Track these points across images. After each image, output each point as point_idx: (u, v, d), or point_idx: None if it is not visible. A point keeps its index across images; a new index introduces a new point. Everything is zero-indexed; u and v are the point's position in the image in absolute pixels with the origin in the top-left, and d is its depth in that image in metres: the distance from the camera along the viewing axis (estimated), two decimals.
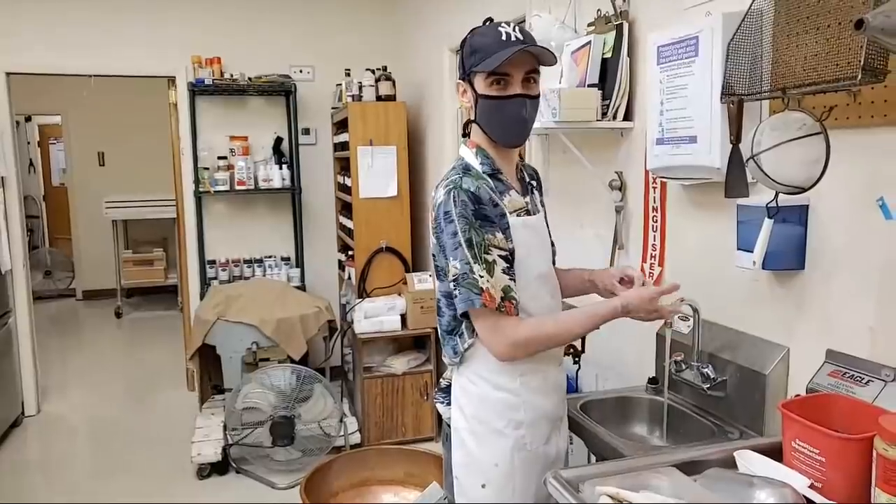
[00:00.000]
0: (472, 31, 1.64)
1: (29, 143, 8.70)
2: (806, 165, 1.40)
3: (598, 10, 2.37)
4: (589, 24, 2.44)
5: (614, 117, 2.28)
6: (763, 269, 1.64)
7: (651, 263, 2.24)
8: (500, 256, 1.55)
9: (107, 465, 3.84)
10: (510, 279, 1.56)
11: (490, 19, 1.66)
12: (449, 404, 1.72)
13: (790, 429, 1.32)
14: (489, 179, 1.61)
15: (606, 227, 2.43)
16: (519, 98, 1.57)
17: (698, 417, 1.89)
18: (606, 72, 2.31)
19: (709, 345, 1.90)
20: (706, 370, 1.86)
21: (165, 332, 6.39)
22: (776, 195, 1.53)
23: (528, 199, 1.72)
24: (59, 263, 8.16)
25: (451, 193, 1.54)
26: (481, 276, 1.51)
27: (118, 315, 7.20)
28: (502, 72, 1.55)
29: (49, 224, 8.68)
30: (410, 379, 3.94)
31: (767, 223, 1.56)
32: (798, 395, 1.55)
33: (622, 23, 2.25)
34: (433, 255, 1.67)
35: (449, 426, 1.72)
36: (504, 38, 1.55)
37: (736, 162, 1.60)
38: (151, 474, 3.68)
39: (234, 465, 3.58)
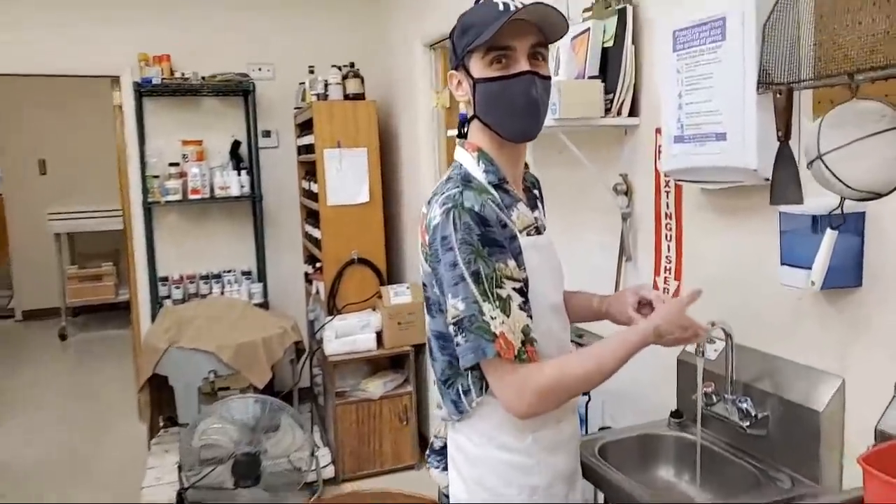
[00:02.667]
0: (463, 13, 1.35)
1: None
2: (887, 166, 1.14)
3: None
4: (585, 10, 2.17)
5: (619, 113, 2.01)
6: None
7: (665, 277, 1.98)
8: (514, 290, 1.25)
9: None
10: (528, 316, 1.26)
11: None
12: (445, 469, 1.42)
13: (874, 488, 1.07)
14: (494, 192, 1.31)
15: (611, 235, 2.17)
16: (527, 75, 1.27)
17: (735, 459, 1.63)
18: (607, 62, 2.05)
19: (742, 373, 1.65)
20: (744, 405, 1.60)
21: (116, 353, 5.93)
22: (842, 201, 1.27)
23: (536, 213, 1.43)
24: None
25: (451, 214, 1.23)
26: (493, 318, 1.21)
27: (63, 337, 6.69)
28: (503, 45, 1.26)
29: None
30: (388, 403, 3.64)
31: (830, 235, 1.30)
32: (877, 446, 1.29)
33: (625, 7, 1.98)
34: (423, 286, 1.37)
35: (447, 496, 1.42)
36: (502, 7, 1.25)
37: (785, 163, 1.35)
38: None
39: None
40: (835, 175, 1.18)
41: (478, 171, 1.34)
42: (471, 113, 1.37)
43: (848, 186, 1.18)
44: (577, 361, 1.29)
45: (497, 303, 1.22)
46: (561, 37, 1.33)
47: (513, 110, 1.30)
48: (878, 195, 1.18)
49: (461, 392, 1.33)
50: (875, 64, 1.21)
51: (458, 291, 1.22)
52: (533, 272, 1.32)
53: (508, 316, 1.22)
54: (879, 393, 1.36)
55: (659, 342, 1.33)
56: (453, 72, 1.37)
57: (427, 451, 1.53)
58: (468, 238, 1.22)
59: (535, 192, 1.53)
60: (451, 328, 1.24)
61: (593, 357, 1.29)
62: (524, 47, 1.27)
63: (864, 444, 1.39)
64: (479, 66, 1.30)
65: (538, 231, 1.40)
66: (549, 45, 1.35)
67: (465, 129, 1.42)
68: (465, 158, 1.37)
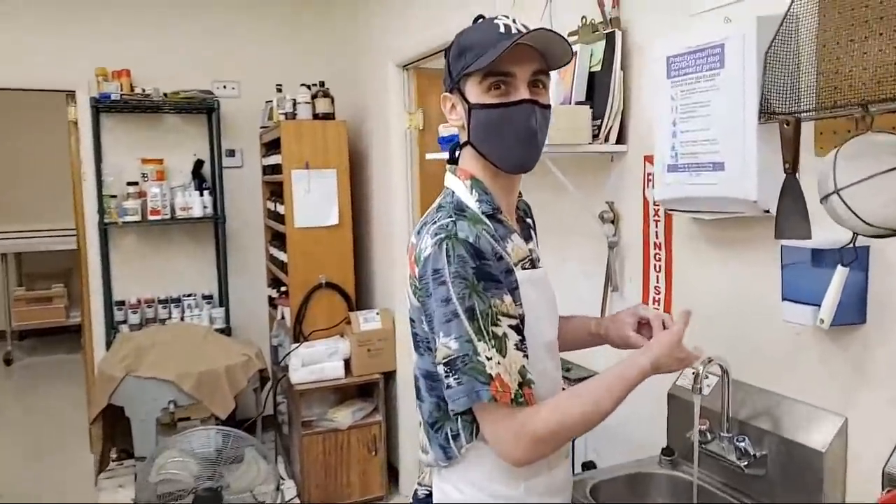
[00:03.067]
0: (460, 32, 1.28)
1: None
2: None
3: (584, 17, 2.07)
4: (571, 34, 2.13)
5: (606, 139, 1.96)
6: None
7: (655, 308, 1.92)
8: (510, 327, 1.16)
9: None
10: (525, 356, 1.18)
11: (482, 16, 1.30)
12: None
13: None
14: (488, 223, 1.23)
15: (596, 264, 2.11)
16: (526, 104, 1.20)
17: (732, 500, 1.57)
18: (594, 88, 2.00)
19: (739, 410, 1.60)
20: (743, 444, 1.54)
21: (66, 379, 5.64)
22: (854, 237, 1.22)
23: (530, 245, 1.36)
24: None
25: (444, 245, 1.15)
26: (489, 359, 1.12)
27: (7, 362, 6.34)
28: (503, 70, 1.19)
29: None
30: (357, 433, 3.50)
31: (842, 272, 1.26)
32: (891, 491, 1.24)
33: (613, 31, 1.94)
34: (411, 321, 1.28)
35: None
36: (503, 30, 1.19)
37: (793, 195, 1.31)
38: None
39: None
40: (852, 211, 1.13)
41: (471, 200, 1.26)
42: (464, 139, 1.29)
43: (865, 223, 1.13)
44: (574, 402, 1.20)
45: (493, 342, 1.13)
46: (564, 65, 1.27)
47: (510, 140, 1.22)
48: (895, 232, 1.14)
49: (450, 437, 1.24)
50: (885, 96, 1.18)
51: (451, 329, 1.13)
52: (530, 309, 1.25)
53: (504, 356, 1.14)
54: (884, 433, 1.32)
55: (656, 373, 1.27)
56: (447, 94, 1.30)
57: (411, 500, 1.43)
58: (462, 271, 1.13)
59: (529, 220, 1.46)
60: (442, 368, 1.15)
61: (591, 396, 1.20)
62: (525, 74, 1.20)
63: (867, 487, 1.35)
64: (475, 91, 1.22)
65: (533, 264, 1.32)
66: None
67: (457, 154, 1.34)
68: (458, 186, 1.29)
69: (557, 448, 1.23)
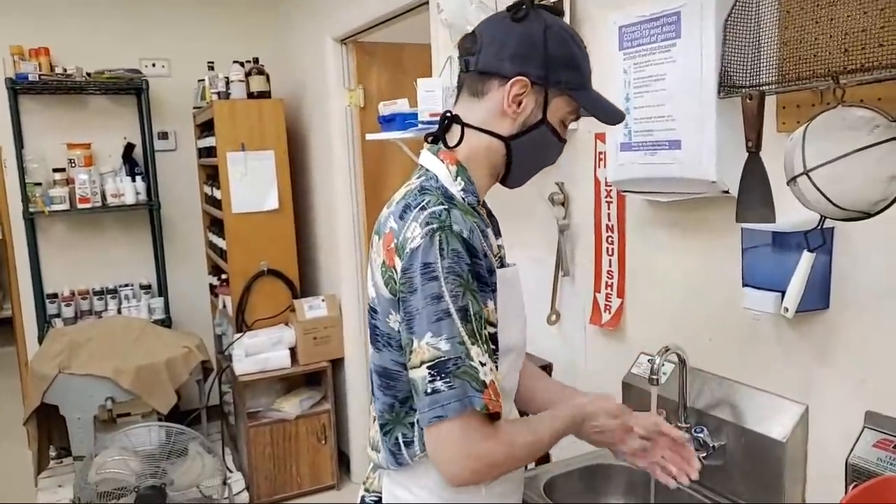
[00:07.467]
0: (556, 19, 1.14)
1: None
2: (882, 183, 1.02)
3: None
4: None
5: None
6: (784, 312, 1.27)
7: (607, 294, 1.85)
8: (490, 336, 1.07)
9: None
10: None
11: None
12: None
13: None
14: (475, 214, 1.12)
15: (546, 248, 2.01)
16: (564, 143, 1.21)
17: (690, 492, 1.52)
18: None
19: (697, 399, 1.54)
20: (701, 434, 1.49)
21: None
22: (822, 220, 1.15)
23: (500, 240, 1.24)
24: None
25: (437, 238, 1.02)
26: (483, 364, 1.02)
27: None
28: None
29: None
30: (305, 422, 3.40)
31: (808, 258, 1.18)
32: (857, 484, 1.18)
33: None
34: (372, 312, 1.15)
35: None
36: (591, 66, 1.19)
37: (756, 176, 1.23)
38: None
39: None
40: (823, 193, 1.04)
41: (454, 188, 1.12)
42: (503, 132, 1.14)
43: (837, 206, 1.05)
44: (526, 432, 1.13)
45: (485, 347, 1.03)
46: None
47: (538, 166, 1.23)
48: (868, 215, 1.06)
49: (401, 443, 1.13)
50: (853, 66, 1.10)
51: (442, 329, 1.01)
52: (501, 311, 1.13)
53: (495, 363, 1.06)
54: (846, 422, 1.28)
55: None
56: (529, 83, 1.10)
57: None
58: (456, 268, 1.02)
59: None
60: (426, 370, 1.02)
61: (539, 430, 1.14)
62: None
63: (829, 478, 1.31)
64: (558, 113, 1.14)
65: (502, 261, 1.20)
66: None
67: (447, 134, 1.17)
68: (440, 169, 1.14)
69: (496, 477, 1.12)
